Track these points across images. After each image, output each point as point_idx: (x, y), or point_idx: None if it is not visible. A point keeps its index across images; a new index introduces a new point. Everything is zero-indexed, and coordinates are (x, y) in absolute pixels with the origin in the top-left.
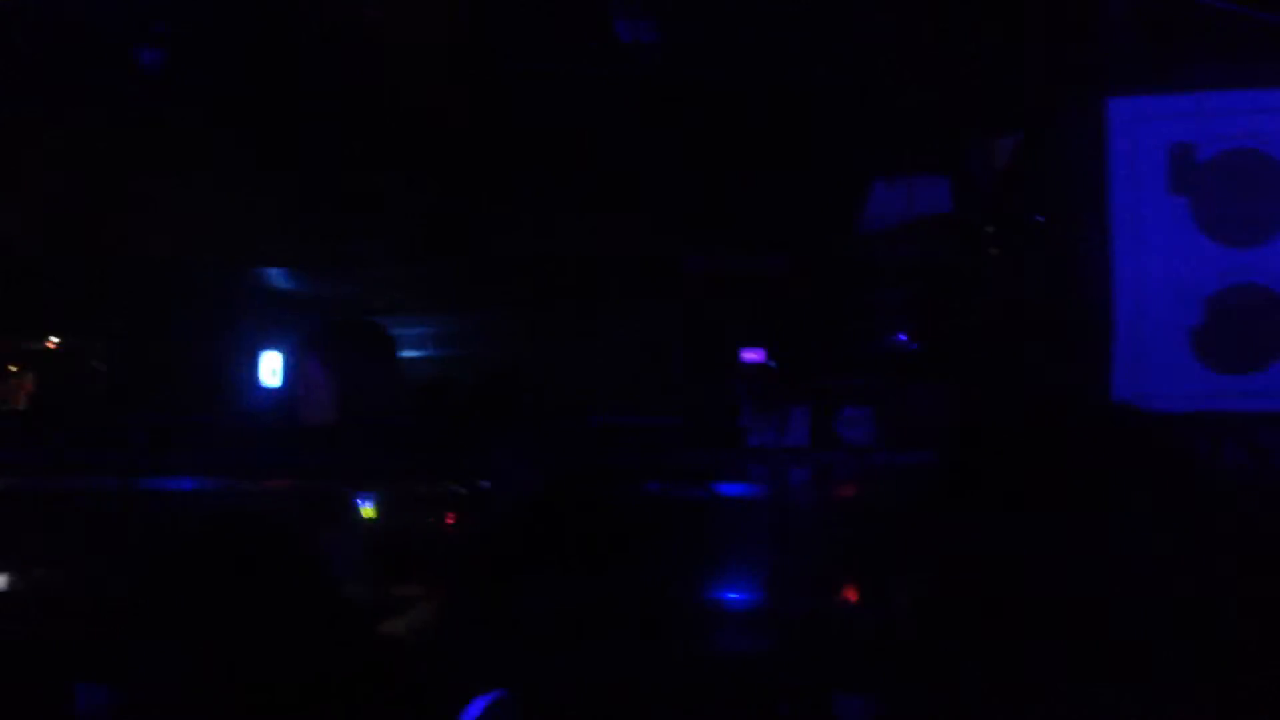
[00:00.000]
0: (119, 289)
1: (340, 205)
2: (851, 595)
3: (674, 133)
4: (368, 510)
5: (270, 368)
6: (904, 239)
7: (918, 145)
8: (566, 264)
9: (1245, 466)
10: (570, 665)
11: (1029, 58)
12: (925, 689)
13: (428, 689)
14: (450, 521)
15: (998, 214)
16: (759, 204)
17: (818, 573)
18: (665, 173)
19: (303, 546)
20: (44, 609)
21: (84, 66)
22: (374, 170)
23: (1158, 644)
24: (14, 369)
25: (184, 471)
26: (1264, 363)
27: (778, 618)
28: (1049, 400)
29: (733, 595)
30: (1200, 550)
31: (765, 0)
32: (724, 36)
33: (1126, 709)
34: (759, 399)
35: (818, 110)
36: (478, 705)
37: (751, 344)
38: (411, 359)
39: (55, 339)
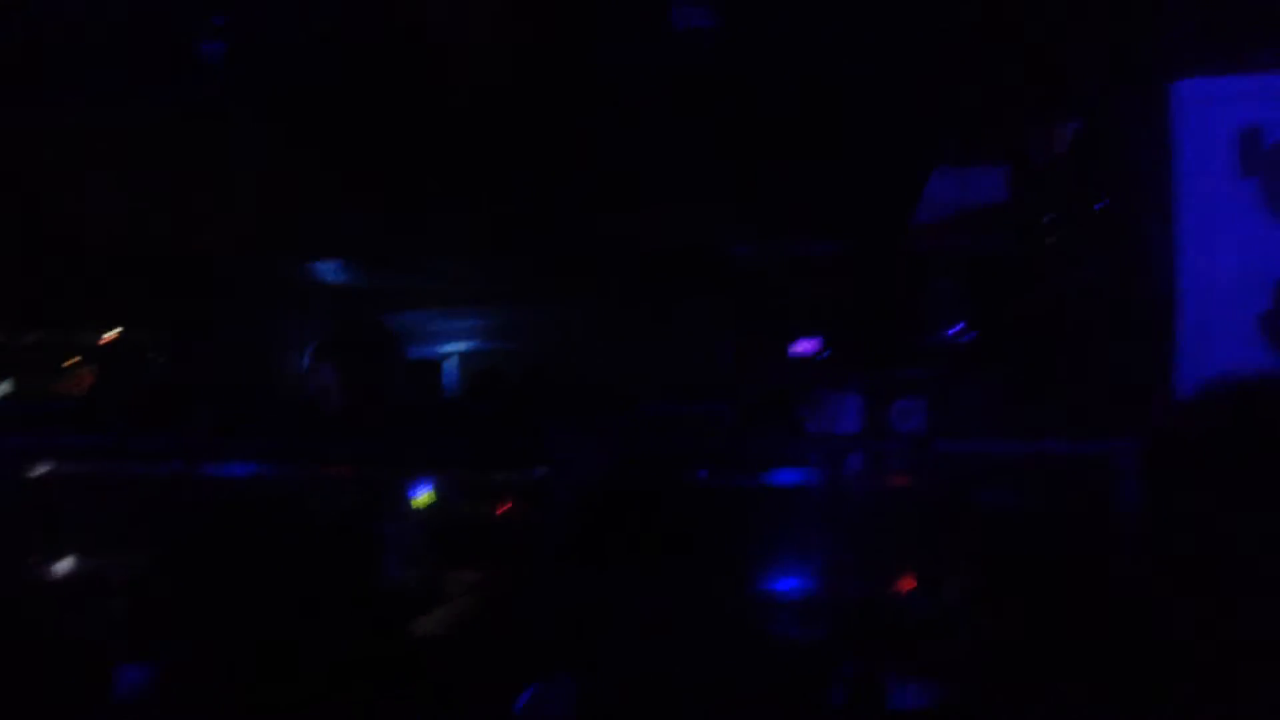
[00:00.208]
0: (176, 282)
1: (395, 199)
2: (908, 584)
3: (728, 121)
4: (423, 498)
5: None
6: (960, 229)
7: (975, 133)
8: (622, 255)
9: None
10: (627, 650)
11: (1091, 41)
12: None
13: (485, 674)
14: (504, 510)
15: (1057, 202)
16: (814, 193)
17: (873, 561)
18: (719, 162)
19: (354, 532)
20: (101, 591)
21: (143, 59)
22: (428, 163)
23: None
24: (76, 361)
25: (241, 459)
26: None
27: (831, 605)
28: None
29: (786, 582)
30: None
31: None
32: (779, 23)
33: None
34: (812, 389)
35: (874, 98)
36: (536, 689)
37: (805, 335)
38: (466, 351)
39: (114, 332)
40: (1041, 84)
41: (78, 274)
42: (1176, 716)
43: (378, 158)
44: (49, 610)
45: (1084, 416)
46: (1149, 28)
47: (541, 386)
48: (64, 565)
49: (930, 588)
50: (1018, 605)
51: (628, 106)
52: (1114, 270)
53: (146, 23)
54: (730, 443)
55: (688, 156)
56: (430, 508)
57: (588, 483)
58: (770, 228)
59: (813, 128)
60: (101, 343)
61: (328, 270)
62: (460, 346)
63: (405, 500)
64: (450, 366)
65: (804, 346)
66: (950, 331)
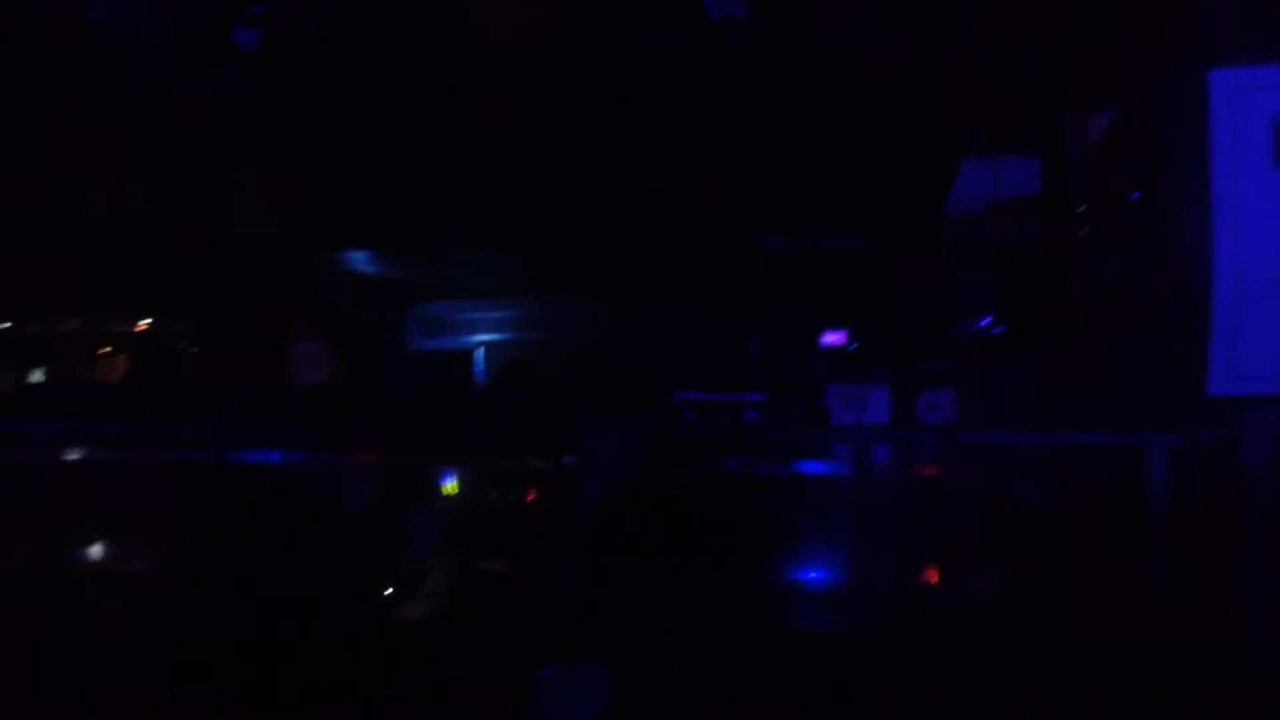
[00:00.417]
0: (207, 272)
1: (424, 189)
2: (933, 575)
3: (760, 110)
4: (451, 486)
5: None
6: (992, 220)
7: (1008, 124)
8: (652, 244)
9: None
10: (654, 636)
11: (1128, 31)
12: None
13: (514, 657)
14: (532, 498)
15: (1090, 193)
16: (846, 184)
17: (901, 551)
18: (752, 152)
19: (381, 520)
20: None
21: (180, 49)
22: (461, 154)
23: None
24: (108, 350)
25: (269, 447)
26: None
27: (858, 595)
28: None
29: (813, 572)
30: None
31: None
32: (813, 14)
33: None
34: (840, 380)
35: (906, 89)
36: (560, 668)
37: (835, 326)
38: (496, 341)
39: (146, 321)
40: (1076, 74)
41: (112, 264)
42: (1199, 707)
43: (410, 148)
44: (81, 591)
45: (1114, 409)
46: (1185, 17)
47: (571, 376)
48: (96, 548)
49: (957, 578)
50: (1045, 596)
51: (661, 96)
52: (1147, 261)
53: (183, 12)
54: (759, 433)
55: (720, 147)
56: (458, 496)
57: (616, 472)
58: (801, 219)
59: (845, 119)
60: (135, 332)
61: (360, 260)
62: (491, 337)
63: (433, 488)
64: (481, 356)
65: (833, 338)
66: (980, 324)
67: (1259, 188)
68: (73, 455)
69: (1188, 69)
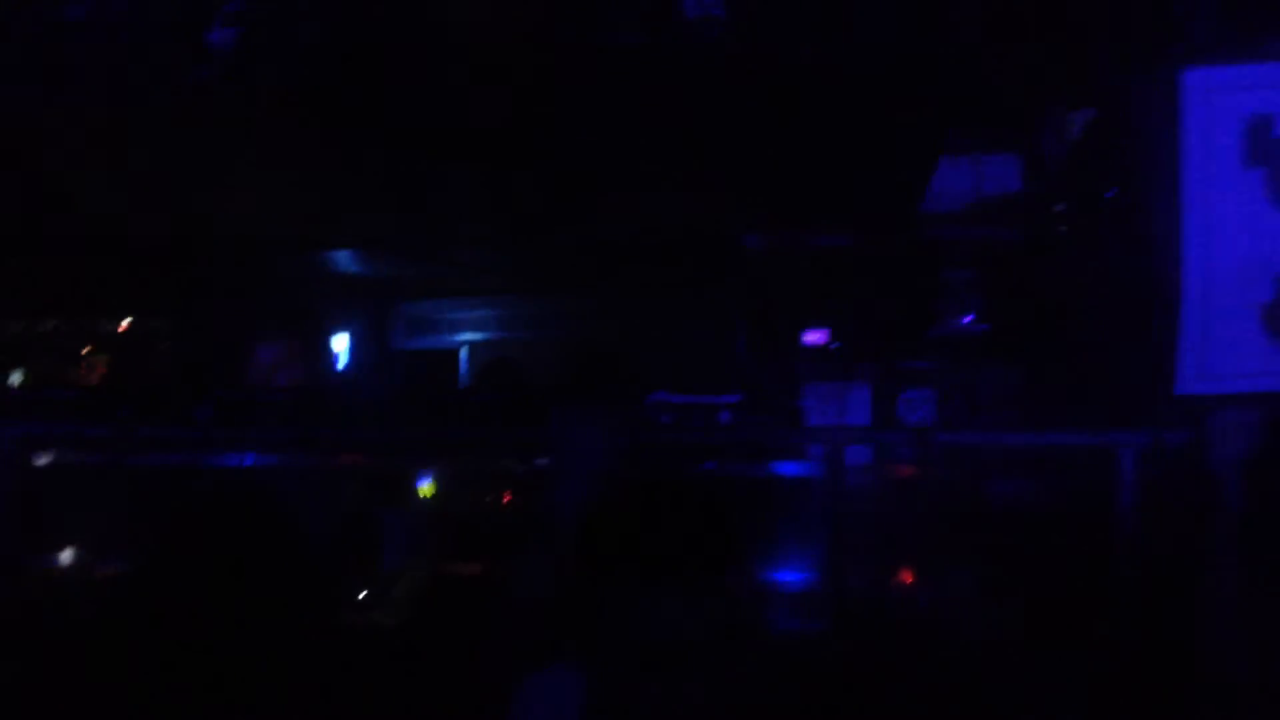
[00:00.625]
0: (190, 272)
1: (410, 188)
2: (907, 577)
3: (739, 110)
4: (427, 488)
5: (340, 348)
6: (974, 218)
7: (988, 122)
8: (631, 244)
9: None
10: (630, 640)
11: (1102, 30)
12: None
13: (491, 661)
14: (508, 500)
15: (1069, 191)
16: (825, 182)
17: (875, 553)
18: (731, 150)
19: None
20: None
21: (155, 47)
22: (444, 154)
23: None
24: (90, 349)
25: (246, 449)
26: None
27: (833, 597)
28: None
29: (788, 573)
30: None
31: None
32: (791, 13)
33: None
34: (821, 380)
35: (885, 87)
36: (538, 676)
37: (816, 324)
38: (475, 341)
39: (127, 321)
40: (1053, 72)
41: (91, 263)
42: (1179, 709)
43: (388, 147)
44: (54, 597)
45: (1093, 409)
46: (1162, 16)
47: (550, 376)
48: (68, 553)
49: (935, 579)
50: (1023, 597)
51: (639, 94)
52: (1121, 260)
53: (160, 12)
54: (732, 435)
55: (700, 145)
56: (434, 497)
57: (591, 474)
58: (781, 217)
59: (824, 116)
60: (117, 331)
61: (340, 260)
62: (469, 336)
63: (409, 490)
64: (460, 356)
65: (814, 336)
66: (962, 322)
67: (1230, 187)
68: (42, 459)
69: (1161, 68)
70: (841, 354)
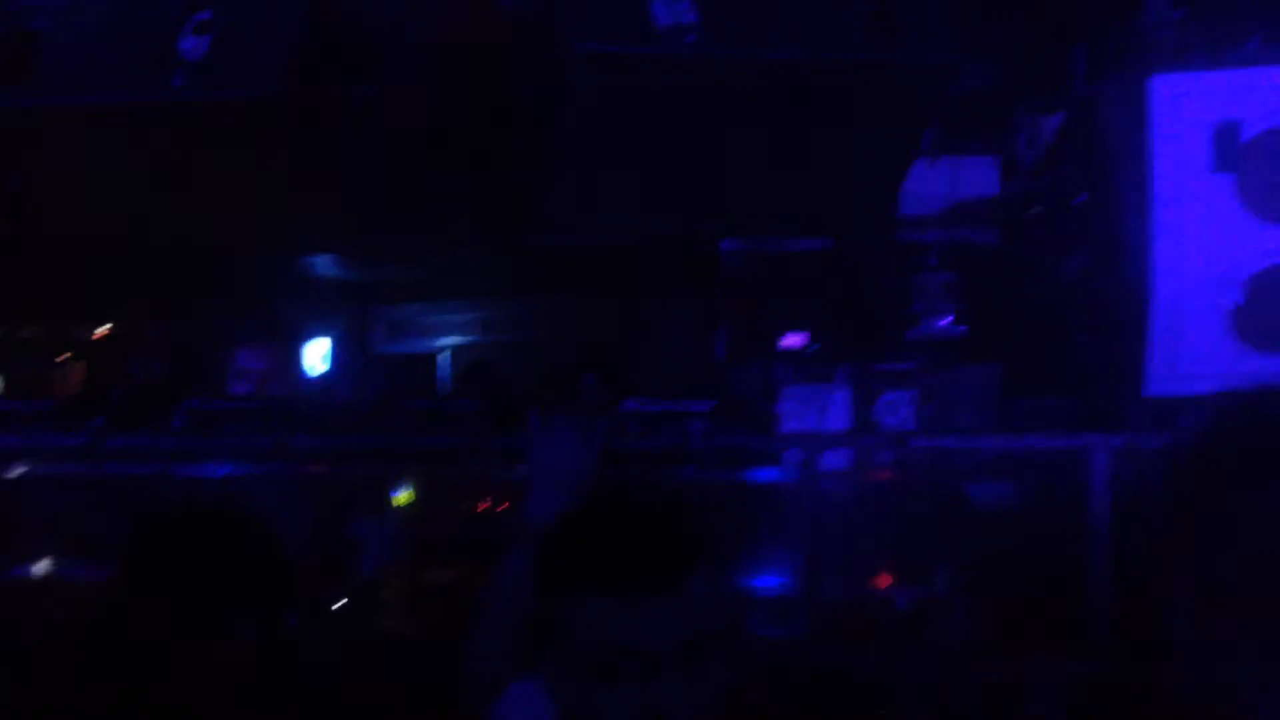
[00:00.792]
0: (164, 278)
1: (385, 192)
2: (885, 581)
3: (713, 116)
4: (403, 496)
5: (317, 354)
6: (951, 221)
7: (964, 126)
8: (606, 250)
9: None
10: (603, 651)
11: (1072, 35)
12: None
13: (464, 676)
14: (483, 508)
15: (1043, 195)
16: (800, 187)
17: (854, 558)
18: (704, 157)
19: (333, 531)
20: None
21: (127, 54)
22: (418, 157)
23: None
24: (67, 356)
25: (226, 457)
26: None
27: (813, 603)
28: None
29: (770, 579)
30: None
31: None
32: (763, 18)
33: None
34: (800, 383)
35: (860, 91)
36: (516, 692)
37: (794, 328)
38: (450, 346)
39: (105, 328)
40: (1030, 77)
41: (68, 270)
42: (1153, 703)
43: (362, 153)
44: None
45: (1071, 410)
46: (1131, 22)
47: (524, 382)
48: (41, 565)
49: (913, 582)
50: (999, 598)
51: (612, 101)
52: (1093, 263)
53: (128, 20)
54: (705, 443)
55: (672, 152)
56: (409, 506)
57: (565, 481)
58: (756, 222)
59: (798, 121)
60: (94, 338)
61: (319, 265)
62: (445, 341)
63: (384, 498)
64: (435, 362)
65: (792, 340)
66: (940, 324)
67: (1199, 192)
68: (14, 470)
69: (1131, 74)
70: (820, 357)
